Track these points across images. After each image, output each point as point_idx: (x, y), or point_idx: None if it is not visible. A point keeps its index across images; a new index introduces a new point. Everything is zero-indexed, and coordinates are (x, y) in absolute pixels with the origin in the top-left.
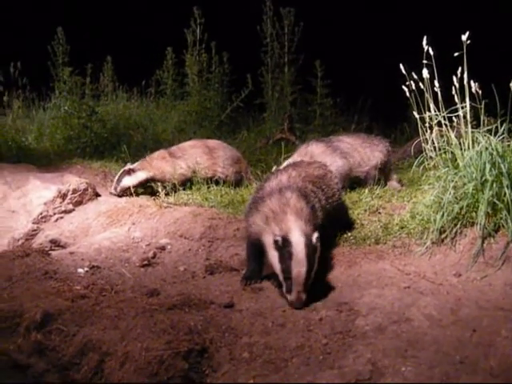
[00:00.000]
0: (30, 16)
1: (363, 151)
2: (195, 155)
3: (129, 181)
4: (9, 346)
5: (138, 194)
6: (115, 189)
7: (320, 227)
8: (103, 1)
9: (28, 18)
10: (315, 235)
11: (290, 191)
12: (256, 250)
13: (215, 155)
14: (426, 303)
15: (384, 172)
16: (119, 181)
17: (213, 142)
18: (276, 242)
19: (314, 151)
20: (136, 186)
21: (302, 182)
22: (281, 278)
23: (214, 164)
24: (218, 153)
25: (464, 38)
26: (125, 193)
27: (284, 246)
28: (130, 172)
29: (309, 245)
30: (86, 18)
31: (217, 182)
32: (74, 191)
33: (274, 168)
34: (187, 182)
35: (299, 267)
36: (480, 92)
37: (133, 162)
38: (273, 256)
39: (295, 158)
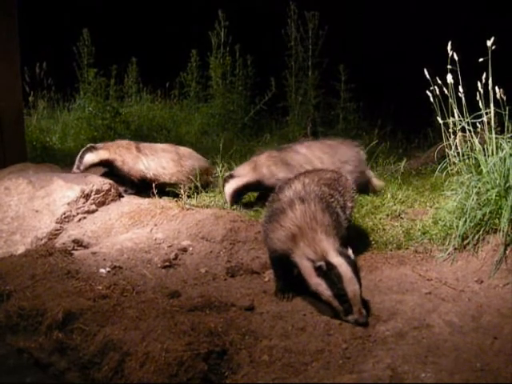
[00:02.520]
0: (55, 17)
1: (319, 166)
2: (163, 159)
3: (90, 158)
4: (30, 344)
5: (160, 196)
6: (78, 167)
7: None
8: (128, 2)
9: (54, 19)
10: (350, 250)
11: (312, 202)
12: (282, 263)
13: (183, 163)
14: (447, 310)
15: (364, 178)
16: (81, 158)
17: (184, 150)
18: (319, 268)
19: (259, 161)
20: (96, 165)
21: (317, 187)
22: (335, 303)
23: (178, 172)
24: (186, 162)
25: (489, 43)
26: (88, 170)
27: (329, 269)
28: (91, 149)
29: (350, 261)
30: (111, 20)
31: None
32: (97, 192)
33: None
34: (145, 184)
35: (352, 286)
36: (505, 98)
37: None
38: (318, 284)
39: (242, 167)
